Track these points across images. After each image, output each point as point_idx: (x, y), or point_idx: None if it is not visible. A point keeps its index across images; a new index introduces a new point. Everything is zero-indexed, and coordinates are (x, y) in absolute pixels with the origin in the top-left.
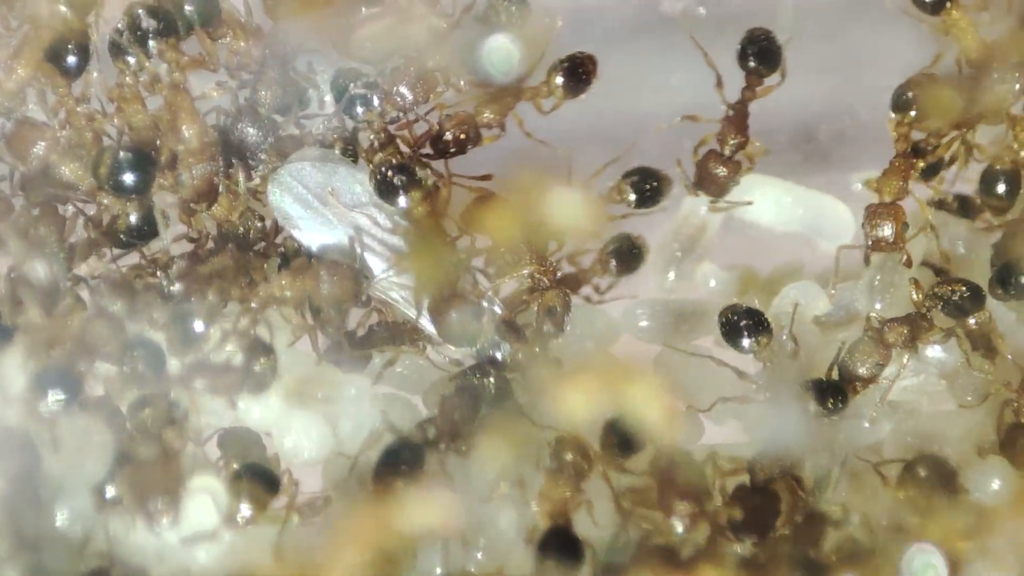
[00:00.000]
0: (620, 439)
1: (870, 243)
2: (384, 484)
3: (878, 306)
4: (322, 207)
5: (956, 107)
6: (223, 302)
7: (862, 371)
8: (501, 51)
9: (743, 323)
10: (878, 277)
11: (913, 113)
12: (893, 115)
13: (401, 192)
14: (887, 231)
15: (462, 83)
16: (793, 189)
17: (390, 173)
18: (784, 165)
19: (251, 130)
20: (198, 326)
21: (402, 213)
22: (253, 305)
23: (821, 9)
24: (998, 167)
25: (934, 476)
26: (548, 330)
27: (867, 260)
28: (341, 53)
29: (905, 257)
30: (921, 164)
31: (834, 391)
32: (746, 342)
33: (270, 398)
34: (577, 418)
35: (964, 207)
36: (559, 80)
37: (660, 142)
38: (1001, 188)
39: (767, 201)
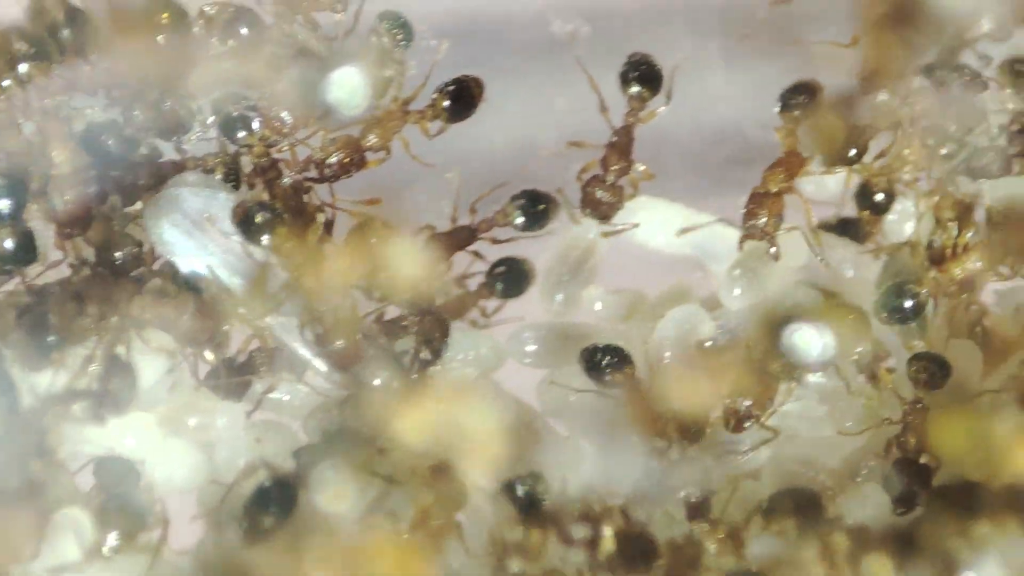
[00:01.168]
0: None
1: (744, 230)
2: (254, 523)
3: (737, 291)
4: (200, 234)
5: (839, 129)
6: (87, 325)
7: (745, 406)
8: (346, 86)
9: (603, 360)
10: (738, 269)
11: (797, 113)
12: (779, 114)
13: (264, 231)
14: (761, 220)
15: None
16: (683, 212)
17: (252, 211)
18: (676, 189)
19: (124, 153)
20: (60, 348)
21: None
22: (112, 325)
23: (713, 35)
24: (875, 182)
25: (799, 506)
26: (425, 357)
27: (740, 246)
28: (181, 90)
29: (774, 249)
30: (808, 167)
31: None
32: (607, 377)
33: (144, 426)
34: (411, 441)
35: (852, 230)
36: (445, 103)
37: (549, 165)
38: (873, 203)
39: (657, 224)
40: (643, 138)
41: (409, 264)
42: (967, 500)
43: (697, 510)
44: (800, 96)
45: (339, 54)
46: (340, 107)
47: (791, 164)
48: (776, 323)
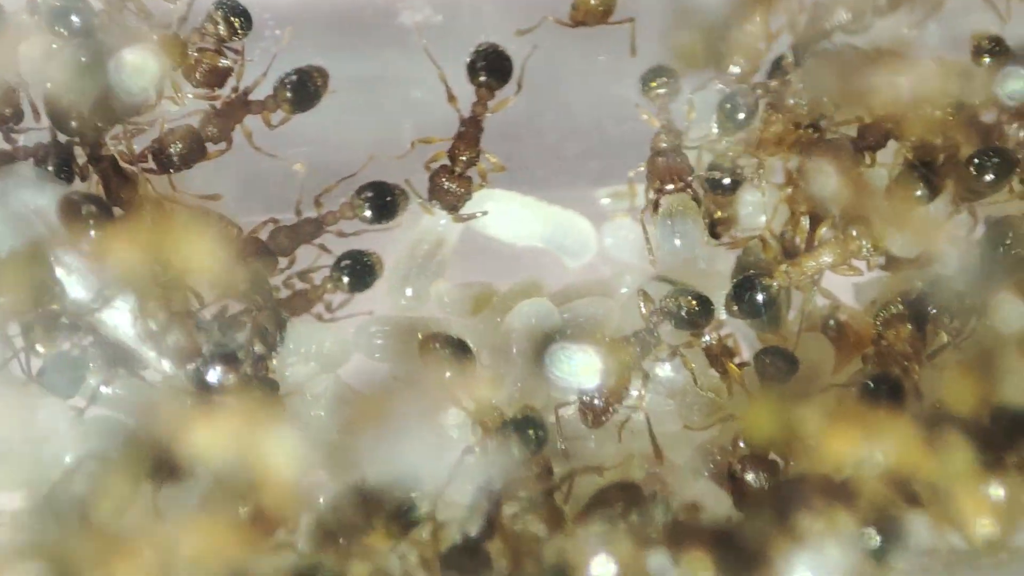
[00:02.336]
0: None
1: (654, 190)
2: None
3: (677, 242)
4: (28, 228)
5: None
6: None
7: (596, 401)
8: (127, 69)
9: (446, 351)
10: (668, 220)
11: (663, 92)
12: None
13: (91, 225)
14: (669, 175)
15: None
16: (533, 204)
17: (77, 205)
18: (531, 180)
19: None
20: None
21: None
22: None
23: (567, 28)
24: (721, 164)
25: (627, 501)
26: (259, 350)
27: (655, 208)
28: None
29: (692, 194)
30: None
31: (532, 425)
32: (447, 374)
33: None
34: (208, 457)
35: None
36: (287, 94)
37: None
38: (720, 185)
39: (507, 217)
40: (498, 129)
41: (203, 258)
42: (790, 494)
43: (530, 506)
44: (660, 77)
45: (120, 36)
46: (121, 91)
47: (671, 131)
48: (545, 340)
